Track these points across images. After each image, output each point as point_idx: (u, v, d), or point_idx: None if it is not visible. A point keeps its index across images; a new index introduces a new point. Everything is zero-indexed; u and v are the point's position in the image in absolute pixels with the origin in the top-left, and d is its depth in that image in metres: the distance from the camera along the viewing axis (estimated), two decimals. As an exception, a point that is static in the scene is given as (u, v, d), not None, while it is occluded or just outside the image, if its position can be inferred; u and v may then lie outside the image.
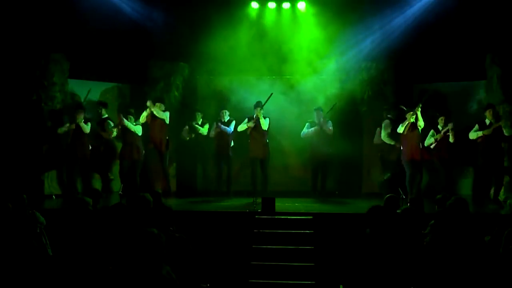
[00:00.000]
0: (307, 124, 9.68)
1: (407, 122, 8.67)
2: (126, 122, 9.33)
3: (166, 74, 10.54)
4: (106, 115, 9.76)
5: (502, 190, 8.90)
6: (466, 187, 9.66)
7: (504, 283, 3.90)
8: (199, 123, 10.07)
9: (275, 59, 10.09)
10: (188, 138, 10.10)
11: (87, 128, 9.23)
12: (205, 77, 10.83)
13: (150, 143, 9.57)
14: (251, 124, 9.27)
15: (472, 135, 8.90)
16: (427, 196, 8.14)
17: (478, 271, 3.91)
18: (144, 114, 9.45)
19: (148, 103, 9.43)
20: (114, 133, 9.68)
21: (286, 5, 10.58)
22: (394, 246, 3.86)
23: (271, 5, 10.58)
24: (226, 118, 9.78)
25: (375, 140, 9.83)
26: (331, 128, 9.54)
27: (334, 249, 6.73)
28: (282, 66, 10.15)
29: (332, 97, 9.94)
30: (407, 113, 8.80)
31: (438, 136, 9.07)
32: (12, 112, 9.46)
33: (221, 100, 10.34)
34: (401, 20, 10.03)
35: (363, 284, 3.81)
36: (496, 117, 8.84)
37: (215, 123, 9.80)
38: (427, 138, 9.16)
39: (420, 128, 8.74)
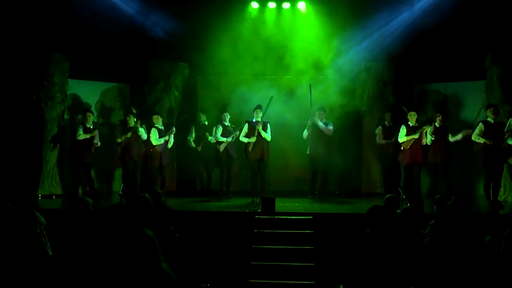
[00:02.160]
0: (307, 125, 9.54)
1: (412, 138, 8.76)
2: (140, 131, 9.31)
3: (166, 74, 10.54)
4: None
5: (502, 190, 8.90)
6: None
7: (504, 283, 3.90)
8: (206, 123, 10.01)
9: (275, 59, 10.09)
10: (195, 146, 10.03)
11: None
12: (205, 77, 10.84)
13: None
14: (253, 140, 9.06)
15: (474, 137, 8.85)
16: (427, 197, 8.16)
17: (478, 271, 3.91)
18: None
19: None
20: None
21: (286, 5, 10.59)
22: (394, 246, 3.85)
23: (271, 5, 10.58)
24: (227, 123, 9.63)
25: (378, 140, 9.82)
26: (330, 128, 9.33)
27: (334, 249, 6.74)
28: (282, 66, 10.15)
29: (332, 96, 9.94)
30: (408, 113, 8.85)
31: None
32: (12, 112, 9.47)
33: (221, 101, 10.36)
34: (401, 20, 10.04)
35: (363, 284, 3.80)
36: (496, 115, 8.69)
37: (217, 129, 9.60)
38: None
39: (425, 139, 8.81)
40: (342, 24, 9.83)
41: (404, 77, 10.27)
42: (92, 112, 9.60)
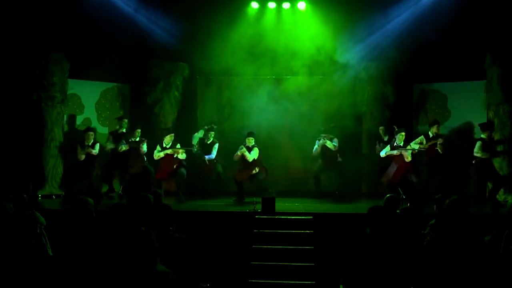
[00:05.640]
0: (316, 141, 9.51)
1: (393, 153, 8.79)
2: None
3: (166, 74, 10.55)
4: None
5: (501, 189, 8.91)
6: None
7: (504, 283, 3.90)
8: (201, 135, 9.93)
9: (275, 59, 10.10)
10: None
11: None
12: (205, 77, 10.84)
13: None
14: (236, 158, 9.06)
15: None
16: (427, 196, 8.16)
17: (478, 271, 3.91)
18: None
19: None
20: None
21: (286, 5, 10.59)
22: (394, 246, 3.86)
23: (271, 5, 10.59)
24: (210, 139, 9.58)
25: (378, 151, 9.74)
26: (335, 144, 9.40)
27: (334, 249, 6.74)
28: (282, 66, 10.15)
29: (332, 96, 9.94)
30: (398, 133, 8.81)
31: (424, 146, 9.00)
32: (12, 112, 9.47)
33: (221, 101, 10.37)
34: (401, 20, 10.04)
35: (363, 284, 3.81)
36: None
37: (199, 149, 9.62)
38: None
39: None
40: (342, 24, 9.84)
41: (404, 77, 10.27)
42: (93, 131, 9.42)
